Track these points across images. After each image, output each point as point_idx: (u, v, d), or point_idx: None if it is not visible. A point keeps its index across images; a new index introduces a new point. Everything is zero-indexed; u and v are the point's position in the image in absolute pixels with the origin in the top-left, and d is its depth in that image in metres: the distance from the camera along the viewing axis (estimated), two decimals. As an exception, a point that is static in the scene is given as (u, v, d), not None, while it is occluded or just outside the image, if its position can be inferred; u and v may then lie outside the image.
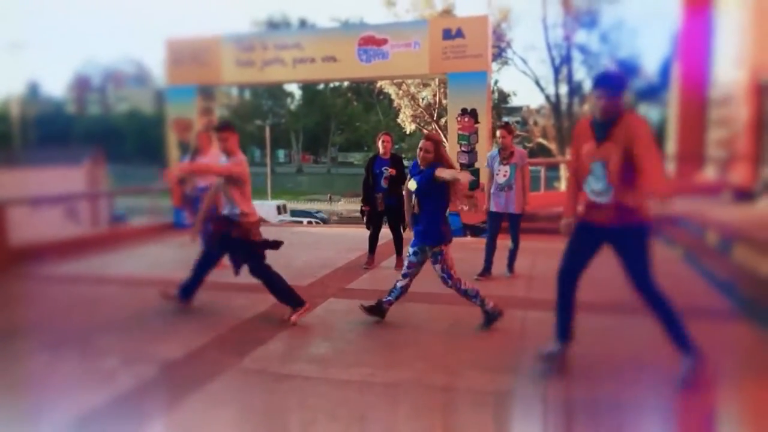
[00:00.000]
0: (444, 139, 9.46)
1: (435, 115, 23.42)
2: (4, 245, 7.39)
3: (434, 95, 23.08)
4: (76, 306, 5.43)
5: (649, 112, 23.75)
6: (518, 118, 33.04)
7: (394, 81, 22.17)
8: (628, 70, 25.22)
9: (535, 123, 28.16)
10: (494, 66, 24.17)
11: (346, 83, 48.86)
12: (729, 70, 11.73)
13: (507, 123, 6.70)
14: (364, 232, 7.22)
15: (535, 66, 51.94)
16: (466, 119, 9.48)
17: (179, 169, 5.59)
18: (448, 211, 4.55)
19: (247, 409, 3.21)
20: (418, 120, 24.34)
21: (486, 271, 6.14)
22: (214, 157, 5.15)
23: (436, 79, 20.19)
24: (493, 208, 6.19)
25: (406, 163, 7.05)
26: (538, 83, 26.73)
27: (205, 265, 4.92)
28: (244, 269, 4.76)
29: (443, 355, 3.92)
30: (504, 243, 6.22)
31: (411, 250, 4.48)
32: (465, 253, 6.80)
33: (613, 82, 3.30)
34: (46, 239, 8.13)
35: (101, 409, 3.18)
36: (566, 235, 3.57)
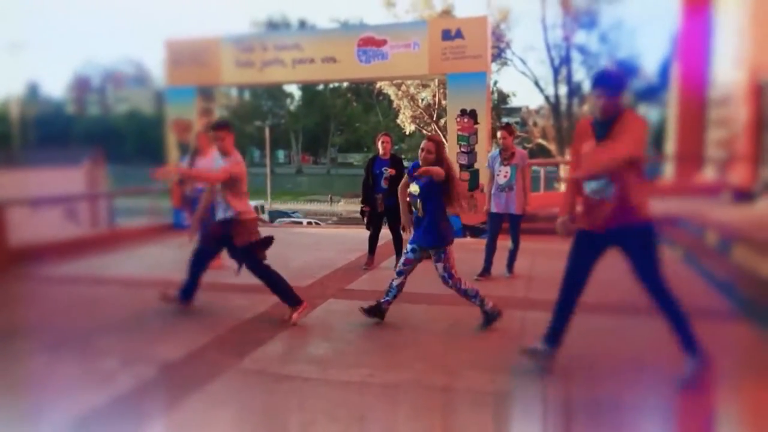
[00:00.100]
0: (444, 140, 9.47)
1: (434, 115, 23.44)
2: (4, 246, 7.39)
3: (434, 96, 23.10)
4: (76, 306, 5.43)
5: (648, 112, 23.75)
6: (518, 119, 33.04)
7: (394, 82, 22.19)
8: (627, 70, 25.23)
9: (535, 124, 28.18)
10: (494, 66, 24.19)
11: (345, 84, 48.92)
12: (728, 70, 11.74)
13: (508, 124, 6.71)
14: (363, 233, 7.22)
15: (534, 66, 51.81)
16: (466, 120, 9.48)
17: (177, 171, 5.54)
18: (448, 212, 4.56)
19: (247, 409, 3.20)
20: (417, 121, 24.36)
21: (486, 272, 6.14)
22: (214, 158, 5.15)
23: (436, 80, 20.21)
24: (493, 209, 6.19)
25: (405, 163, 7.05)
26: (537, 84, 26.78)
27: (199, 264, 4.91)
28: (244, 270, 4.77)
29: (443, 355, 3.92)
30: (504, 244, 6.22)
31: (410, 246, 4.48)
32: (465, 253, 6.78)
33: (612, 82, 3.30)
34: (46, 240, 8.13)
35: (101, 409, 3.18)
36: (562, 234, 3.57)
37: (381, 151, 6.72)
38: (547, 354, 3.51)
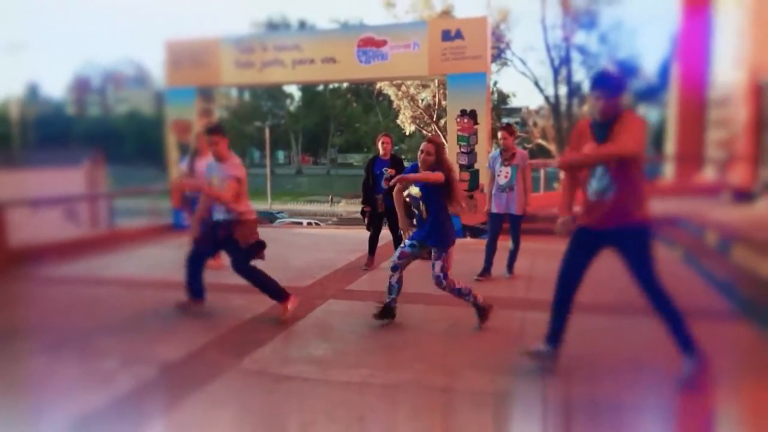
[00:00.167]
0: (444, 141, 9.47)
1: (434, 116, 23.44)
2: (4, 246, 7.39)
3: (434, 96, 23.11)
4: (76, 307, 5.43)
5: (648, 112, 23.77)
6: (517, 119, 33.06)
7: (394, 82, 22.19)
8: (627, 70, 25.26)
9: (535, 124, 28.22)
10: (493, 67, 24.21)
11: (345, 84, 48.88)
12: (728, 70, 11.75)
13: (509, 124, 6.71)
14: (363, 234, 7.23)
15: (534, 67, 51.87)
16: (466, 120, 9.48)
17: (200, 187, 5.29)
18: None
19: (247, 410, 3.20)
20: (417, 121, 24.36)
21: (486, 272, 6.14)
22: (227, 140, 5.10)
23: (436, 81, 20.22)
24: (494, 209, 6.19)
25: (405, 164, 7.04)
26: (537, 84, 26.82)
27: (196, 264, 4.91)
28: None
29: (443, 355, 3.92)
30: (504, 244, 6.22)
31: (408, 242, 4.48)
32: (465, 254, 6.79)
33: (611, 83, 3.30)
34: (46, 240, 8.13)
35: (101, 410, 3.18)
36: (562, 235, 3.57)
37: (381, 152, 6.73)
38: (550, 354, 3.51)
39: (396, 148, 26.18)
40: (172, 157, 10.92)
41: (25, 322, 5.05)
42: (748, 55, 10.73)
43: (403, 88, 23.38)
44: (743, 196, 9.92)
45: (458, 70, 9.41)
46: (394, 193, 4.68)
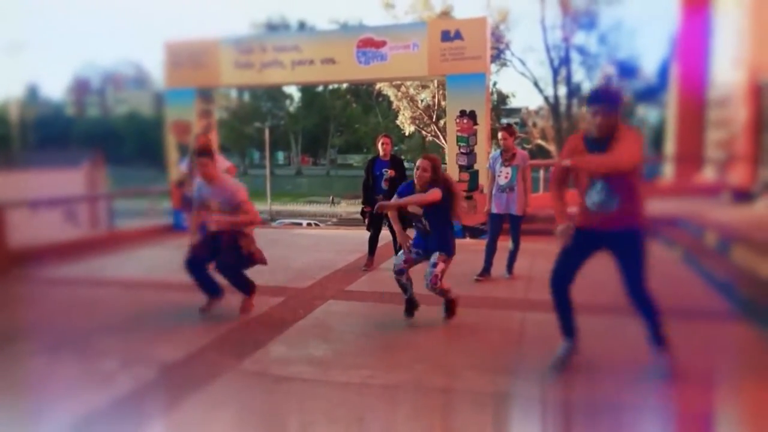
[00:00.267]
0: (444, 142, 9.47)
1: (434, 116, 23.46)
2: (4, 247, 7.39)
3: (433, 97, 23.12)
4: (76, 308, 5.43)
5: (648, 112, 23.80)
6: (517, 120, 33.09)
7: (393, 83, 22.19)
8: (626, 71, 25.29)
9: (534, 124, 28.25)
10: (493, 67, 24.22)
11: (345, 85, 48.82)
12: (728, 70, 11.75)
13: (509, 124, 6.71)
14: (363, 234, 7.22)
15: (533, 67, 51.80)
16: (465, 121, 9.48)
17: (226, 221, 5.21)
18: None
19: (247, 411, 3.20)
20: (417, 122, 24.38)
21: (485, 272, 6.15)
22: (217, 161, 5.12)
23: (435, 81, 20.21)
24: (494, 210, 6.19)
25: (405, 164, 7.05)
26: (536, 84, 26.84)
27: (199, 266, 4.90)
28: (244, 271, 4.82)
29: (442, 356, 3.92)
30: (504, 244, 6.22)
31: (414, 249, 4.54)
32: (464, 254, 6.76)
33: (608, 98, 3.31)
34: (46, 241, 8.13)
35: (101, 410, 3.18)
36: (563, 241, 3.56)
37: (381, 153, 6.73)
38: (571, 347, 3.60)
39: (396, 148, 26.20)
40: (172, 158, 10.91)
41: (26, 323, 5.05)
42: (747, 55, 10.74)
43: (403, 88, 23.39)
44: (743, 196, 9.92)
45: (458, 70, 9.41)
46: (390, 217, 4.78)
